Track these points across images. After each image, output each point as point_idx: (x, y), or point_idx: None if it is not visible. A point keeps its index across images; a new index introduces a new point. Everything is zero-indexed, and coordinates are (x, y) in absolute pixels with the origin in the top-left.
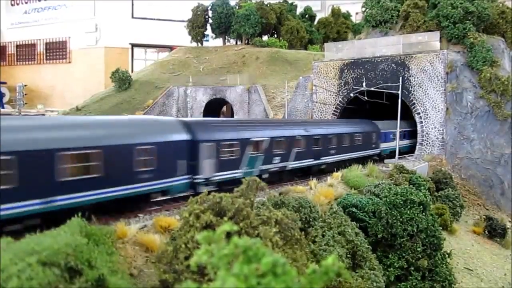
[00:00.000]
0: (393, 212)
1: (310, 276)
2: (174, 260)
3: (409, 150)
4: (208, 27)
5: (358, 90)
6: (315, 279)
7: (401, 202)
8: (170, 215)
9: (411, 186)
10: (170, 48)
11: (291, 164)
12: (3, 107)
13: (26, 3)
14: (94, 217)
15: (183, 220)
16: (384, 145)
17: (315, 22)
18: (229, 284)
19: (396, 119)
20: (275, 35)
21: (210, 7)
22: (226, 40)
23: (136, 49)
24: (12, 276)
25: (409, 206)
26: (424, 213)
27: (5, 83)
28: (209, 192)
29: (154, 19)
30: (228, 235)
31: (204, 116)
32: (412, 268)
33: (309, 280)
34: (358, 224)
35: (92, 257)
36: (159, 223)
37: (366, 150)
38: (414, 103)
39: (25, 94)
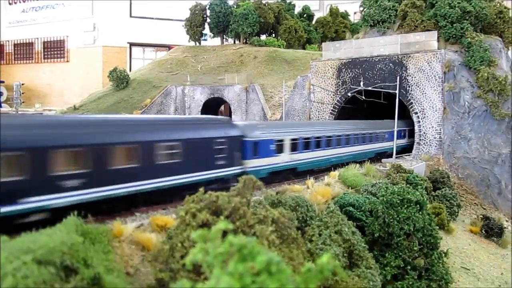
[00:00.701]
0: (390, 211)
1: (305, 274)
2: (170, 258)
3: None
4: (206, 26)
5: (356, 90)
6: (310, 278)
7: (398, 201)
8: (166, 214)
9: (408, 185)
10: (168, 47)
11: None
12: (0, 106)
13: (24, 1)
14: (90, 216)
15: (180, 219)
16: (256, 162)
17: (313, 22)
18: (223, 283)
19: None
20: (273, 35)
21: (208, 6)
22: (224, 39)
23: (134, 48)
24: (7, 275)
25: (405, 205)
26: (420, 212)
27: (2, 82)
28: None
29: (152, 18)
30: (225, 234)
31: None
32: (409, 267)
33: (304, 279)
34: (355, 223)
35: (88, 256)
36: (156, 222)
37: (200, 171)
38: (411, 103)
39: (22, 93)
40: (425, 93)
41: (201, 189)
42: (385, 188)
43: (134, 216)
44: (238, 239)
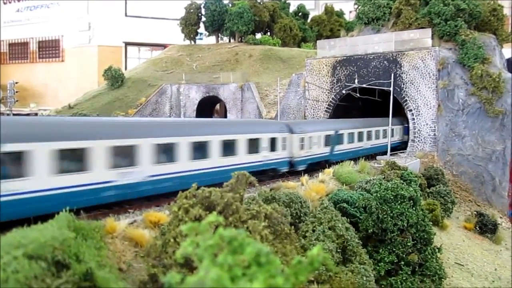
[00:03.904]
0: (383, 207)
1: (296, 266)
2: (163, 254)
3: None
4: (201, 25)
5: (351, 87)
6: (301, 270)
7: (392, 197)
8: (160, 210)
9: (401, 181)
10: (164, 46)
11: None
12: None
13: (18, 1)
14: (83, 212)
15: (173, 215)
16: None
17: (309, 20)
18: (212, 274)
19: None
20: (268, 33)
21: (203, 5)
22: (219, 38)
23: (129, 48)
24: None
25: (399, 201)
26: (414, 208)
27: None
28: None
29: (147, 17)
30: (217, 229)
31: (197, 114)
32: (403, 262)
33: (295, 271)
34: (349, 219)
35: (80, 251)
36: (149, 218)
37: None
38: (406, 100)
39: (16, 92)
40: (420, 91)
41: (194, 185)
42: (379, 184)
43: (127, 212)
44: (228, 232)
